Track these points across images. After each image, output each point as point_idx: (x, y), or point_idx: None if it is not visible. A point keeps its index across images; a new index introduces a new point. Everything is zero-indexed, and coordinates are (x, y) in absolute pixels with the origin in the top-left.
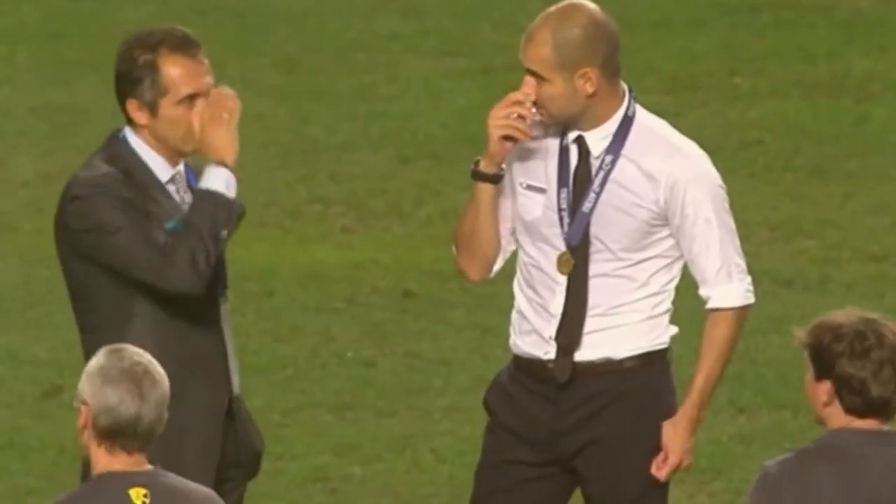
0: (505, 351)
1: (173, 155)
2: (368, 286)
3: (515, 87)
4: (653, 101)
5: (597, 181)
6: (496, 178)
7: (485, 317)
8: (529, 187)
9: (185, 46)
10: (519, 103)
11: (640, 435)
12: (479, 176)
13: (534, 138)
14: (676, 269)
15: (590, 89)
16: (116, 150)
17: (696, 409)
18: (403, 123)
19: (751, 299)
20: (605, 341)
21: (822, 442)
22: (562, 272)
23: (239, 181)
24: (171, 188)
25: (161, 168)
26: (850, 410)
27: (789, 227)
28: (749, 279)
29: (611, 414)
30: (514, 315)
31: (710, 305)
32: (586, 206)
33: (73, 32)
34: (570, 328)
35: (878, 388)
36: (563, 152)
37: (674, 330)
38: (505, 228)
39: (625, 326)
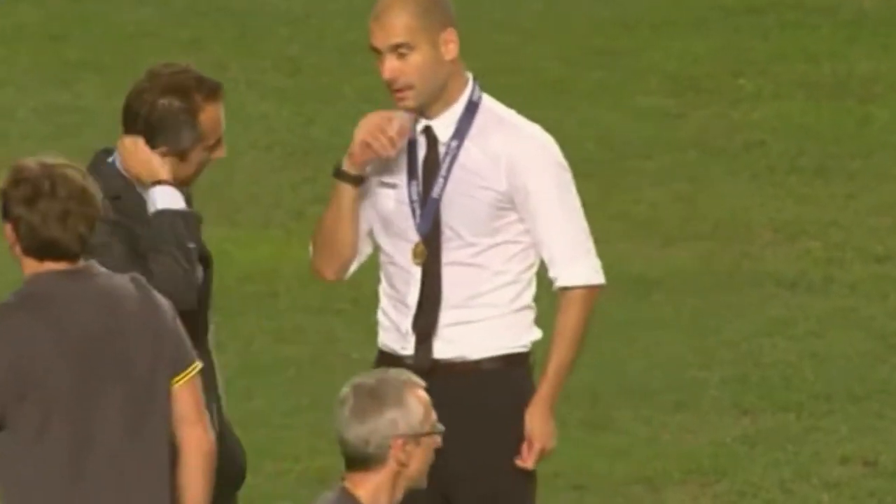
0: None
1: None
2: (372, 287)
3: (516, 88)
4: (655, 103)
5: (443, 167)
6: (356, 180)
7: None
8: (383, 184)
9: (216, 91)
10: (393, 119)
11: (499, 442)
12: (339, 175)
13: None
14: (533, 257)
15: (454, 51)
16: (103, 172)
17: (551, 394)
18: None
19: (599, 279)
20: (462, 337)
21: (19, 292)
22: (416, 263)
23: (186, 193)
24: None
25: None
26: (27, 252)
27: (793, 228)
28: (598, 261)
29: (469, 423)
30: (378, 315)
31: (557, 285)
32: (435, 193)
33: (75, 34)
34: (426, 318)
35: (47, 231)
36: (411, 145)
37: (537, 334)
38: (363, 230)
39: (482, 322)
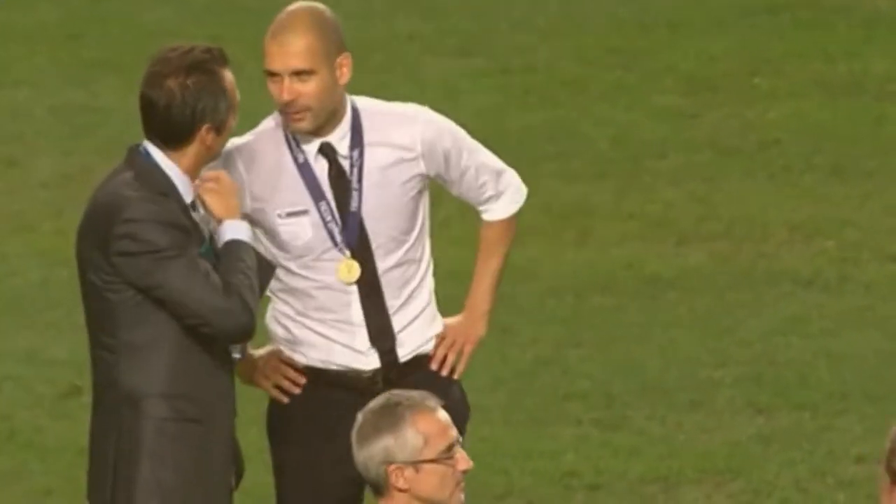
0: (522, 350)
1: (195, 177)
2: None
3: (533, 87)
4: (671, 102)
5: (353, 179)
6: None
7: (502, 318)
8: (289, 214)
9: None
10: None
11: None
12: None
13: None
14: (427, 230)
15: (347, 76)
16: (147, 169)
17: (491, 301)
18: None
19: (521, 202)
20: (412, 335)
21: None
22: (349, 282)
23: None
24: (194, 214)
25: (186, 190)
26: None
27: (808, 228)
28: (518, 180)
29: None
30: (298, 336)
31: (490, 218)
32: (353, 206)
33: (93, 33)
34: (380, 331)
35: None
36: (305, 168)
37: (441, 320)
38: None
39: (421, 314)
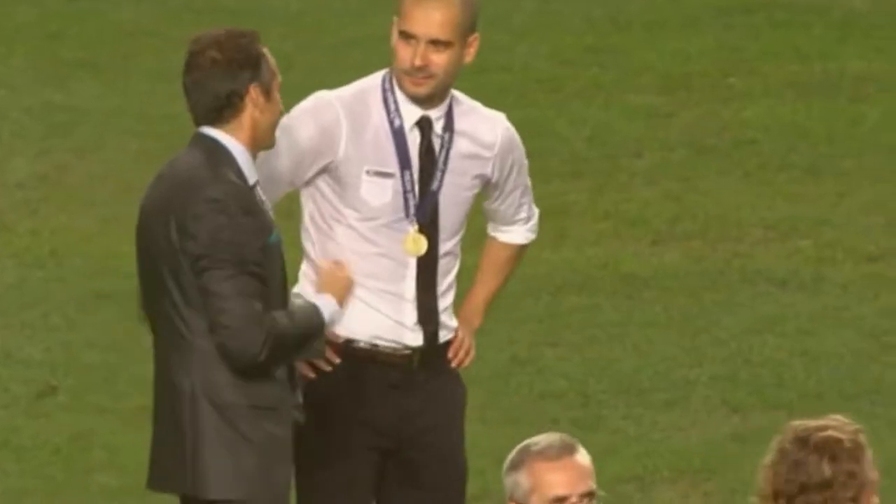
0: (498, 350)
1: (256, 153)
2: None
3: (508, 86)
4: (647, 101)
5: (440, 160)
6: None
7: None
8: (376, 173)
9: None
10: None
11: (460, 398)
12: None
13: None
14: None
15: (472, 55)
16: (224, 157)
17: (481, 320)
18: None
19: (536, 234)
20: (448, 320)
21: None
22: (411, 254)
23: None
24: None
25: (249, 168)
26: None
27: (784, 227)
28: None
29: (447, 384)
30: (349, 309)
31: (508, 240)
32: (434, 185)
33: (70, 32)
34: (428, 309)
35: None
36: (399, 134)
37: None
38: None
39: (450, 306)
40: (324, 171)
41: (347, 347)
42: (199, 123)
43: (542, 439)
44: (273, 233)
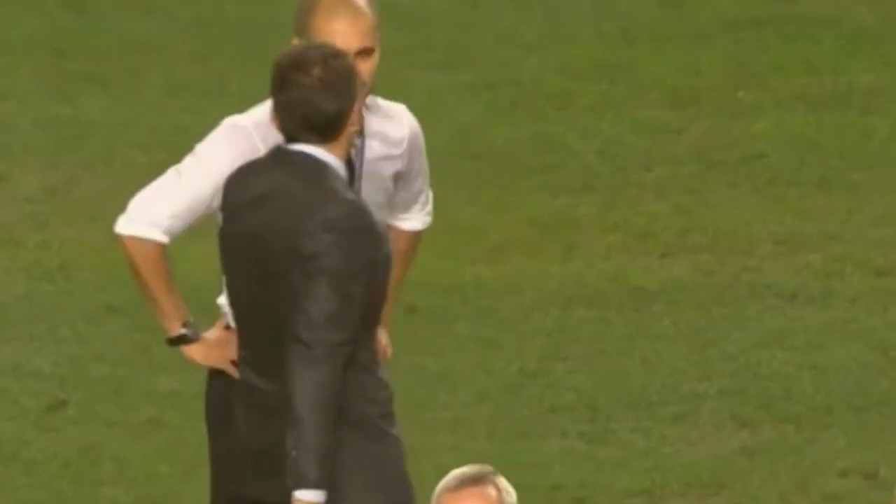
0: (507, 363)
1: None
2: None
3: (518, 100)
4: (656, 115)
5: (357, 165)
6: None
7: (487, 331)
8: None
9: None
10: None
11: None
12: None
13: None
14: None
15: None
16: (331, 174)
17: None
18: None
19: (431, 220)
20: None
21: None
22: None
23: None
24: None
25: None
26: None
27: (793, 241)
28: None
29: None
30: None
31: (409, 228)
32: (355, 192)
33: (78, 46)
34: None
35: None
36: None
37: None
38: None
39: None
40: None
41: None
42: (292, 140)
43: (457, 471)
44: (386, 246)
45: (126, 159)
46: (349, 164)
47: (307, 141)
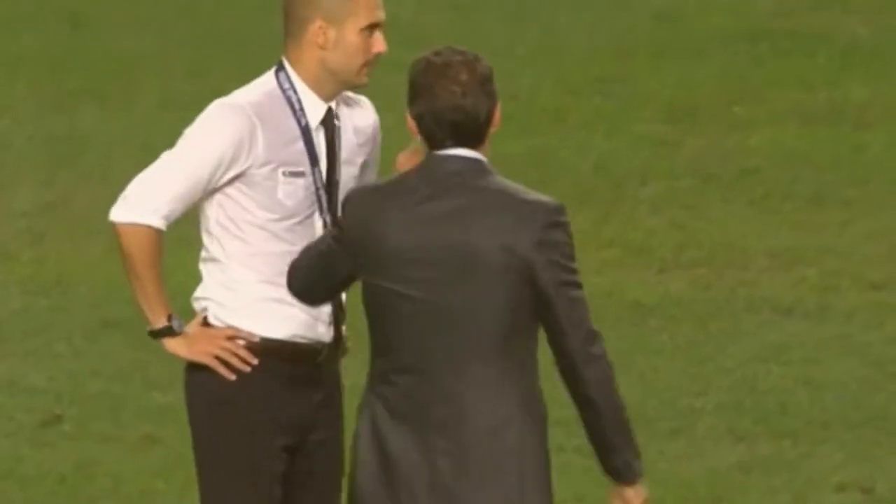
0: None
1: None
2: None
3: (513, 115)
4: (652, 130)
5: (337, 150)
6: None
7: None
8: (292, 174)
9: None
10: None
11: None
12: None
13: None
14: None
15: None
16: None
17: None
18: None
19: None
20: (343, 316)
21: None
22: None
23: None
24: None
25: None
26: None
27: (788, 255)
28: None
29: (339, 386)
30: (261, 305)
31: None
32: (337, 177)
33: (73, 61)
34: (339, 305)
35: None
36: (306, 132)
37: None
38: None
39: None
40: (238, 177)
41: (266, 346)
42: (441, 147)
43: None
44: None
45: (122, 174)
46: (331, 152)
47: (461, 145)
